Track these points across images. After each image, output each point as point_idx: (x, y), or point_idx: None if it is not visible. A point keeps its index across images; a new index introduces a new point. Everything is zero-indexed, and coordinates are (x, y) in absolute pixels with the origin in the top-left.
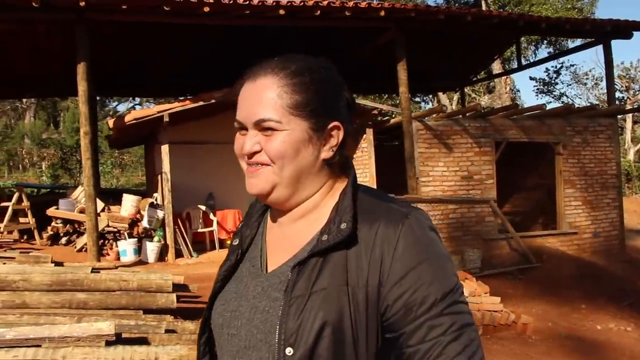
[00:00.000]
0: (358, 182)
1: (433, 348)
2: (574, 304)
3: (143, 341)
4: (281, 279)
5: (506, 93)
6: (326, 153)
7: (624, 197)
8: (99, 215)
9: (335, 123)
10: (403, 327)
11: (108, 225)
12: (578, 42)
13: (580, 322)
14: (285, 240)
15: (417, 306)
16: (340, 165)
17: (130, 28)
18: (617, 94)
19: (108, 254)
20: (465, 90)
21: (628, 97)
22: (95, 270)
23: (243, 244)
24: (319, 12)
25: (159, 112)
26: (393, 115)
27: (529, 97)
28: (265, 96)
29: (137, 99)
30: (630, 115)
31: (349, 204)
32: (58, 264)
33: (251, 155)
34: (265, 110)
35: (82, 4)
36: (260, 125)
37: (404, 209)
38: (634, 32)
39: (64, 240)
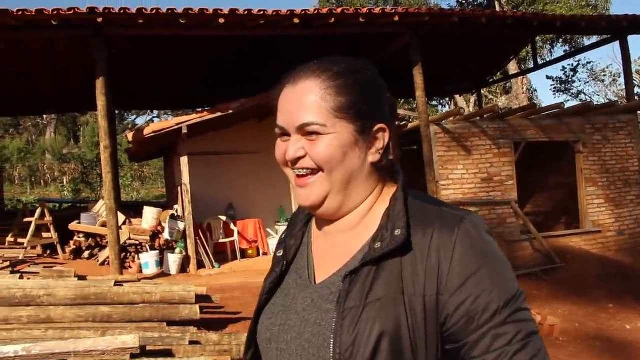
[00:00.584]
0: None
1: (499, 359)
2: (600, 303)
3: (167, 353)
4: (332, 290)
5: (523, 93)
6: (373, 156)
7: None
8: (121, 229)
9: (381, 125)
10: (465, 337)
11: (130, 238)
12: (594, 39)
13: (608, 322)
14: (334, 250)
15: (479, 314)
16: (387, 170)
17: (147, 42)
18: (636, 89)
19: (130, 267)
20: (482, 91)
21: None
22: (118, 283)
23: (288, 255)
24: (333, 19)
25: (177, 124)
26: (410, 120)
27: (546, 97)
28: (308, 99)
29: (156, 112)
30: None
31: (401, 209)
32: (81, 278)
33: (295, 161)
34: (309, 114)
35: (100, 20)
36: (304, 130)
37: (458, 212)
38: None
39: (86, 254)
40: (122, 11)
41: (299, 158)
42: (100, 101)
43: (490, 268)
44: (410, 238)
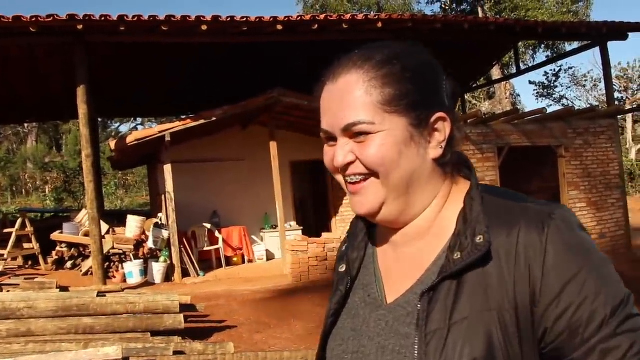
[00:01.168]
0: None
1: None
2: None
3: None
4: (408, 310)
5: (506, 98)
6: (435, 151)
7: (628, 197)
8: (104, 238)
9: (440, 114)
10: (569, 354)
11: (113, 248)
12: (575, 44)
13: None
14: (404, 262)
15: (583, 326)
16: (454, 165)
17: (129, 49)
18: (616, 94)
19: (114, 277)
20: (466, 97)
21: (627, 97)
22: (101, 294)
23: (351, 270)
24: (316, 26)
25: (160, 132)
26: None
27: (529, 101)
28: (351, 96)
29: (139, 119)
30: (630, 115)
31: (479, 210)
32: (63, 289)
33: (345, 167)
34: (354, 112)
35: (80, 27)
36: (351, 131)
37: (545, 207)
38: (630, 34)
39: (69, 264)
40: (102, 18)
41: (349, 163)
42: (82, 109)
43: (590, 269)
44: (493, 243)
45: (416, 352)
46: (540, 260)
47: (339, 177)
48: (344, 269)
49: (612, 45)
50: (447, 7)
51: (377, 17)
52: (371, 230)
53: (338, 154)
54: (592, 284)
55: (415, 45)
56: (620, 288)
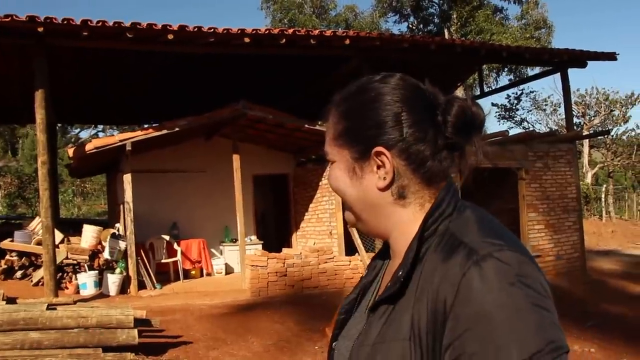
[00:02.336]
0: (460, 205)
1: None
2: None
3: None
4: (363, 322)
5: None
6: (380, 182)
7: (584, 219)
8: (58, 247)
9: (378, 148)
10: None
11: (67, 258)
12: (537, 69)
13: None
14: (387, 276)
15: None
16: (416, 194)
17: (92, 54)
18: (575, 120)
19: (67, 288)
20: None
21: (584, 123)
22: (51, 306)
23: (369, 275)
24: (284, 40)
25: (121, 141)
26: None
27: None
28: (326, 129)
29: (101, 126)
30: (587, 139)
31: (412, 247)
32: (11, 300)
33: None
34: (325, 143)
35: (41, 29)
36: (326, 159)
37: (484, 249)
38: (589, 61)
39: (19, 274)
40: (65, 21)
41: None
42: (39, 114)
43: (490, 327)
44: (413, 278)
45: (341, 357)
46: (451, 299)
47: None
48: (364, 276)
49: (571, 72)
50: (414, 27)
51: (345, 34)
52: None
53: (328, 176)
54: (484, 340)
55: (370, 83)
56: (518, 351)
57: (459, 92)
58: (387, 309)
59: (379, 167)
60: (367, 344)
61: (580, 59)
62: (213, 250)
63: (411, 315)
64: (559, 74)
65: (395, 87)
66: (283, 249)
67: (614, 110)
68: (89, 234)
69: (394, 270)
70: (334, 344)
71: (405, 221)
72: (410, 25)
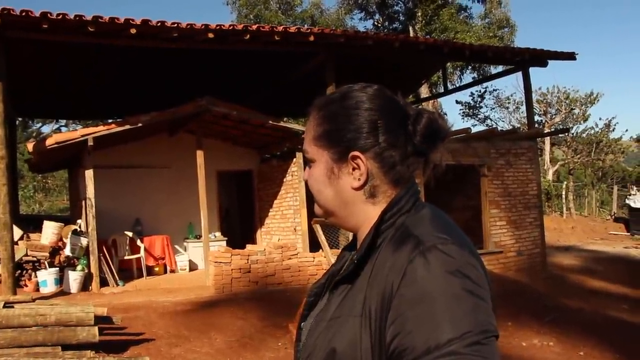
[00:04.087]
0: (418, 204)
1: None
2: (500, 321)
3: None
4: (325, 300)
5: None
6: (355, 182)
7: (545, 215)
8: (17, 244)
9: (355, 153)
10: None
11: (26, 255)
12: (500, 68)
13: (507, 340)
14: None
15: (408, 351)
16: (384, 193)
17: (53, 48)
18: (536, 118)
19: (26, 285)
20: None
21: (546, 121)
22: (8, 304)
23: (337, 264)
24: (248, 36)
25: (82, 136)
26: None
27: (456, 120)
28: (306, 129)
29: (63, 121)
30: (548, 137)
31: (369, 234)
32: None
33: (307, 183)
34: (305, 142)
35: None
36: (305, 156)
37: (430, 241)
38: (549, 61)
39: None
40: (23, 13)
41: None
42: None
43: (430, 305)
44: (368, 262)
45: (306, 332)
46: (397, 283)
47: None
48: (334, 263)
49: (533, 71)
50: (379, 25)
51: (309, 30)
52: None
53: (304, 172)
54: (420, 319)
55: (351, 91)
56: (444, 332)
57: (424, 89)
58: (345, 289)
59: (354, 169)
60: (325, 319)
61: (540, 58)
62: (177, 246)
63: (364, 296)
64: (520, 72)
65: (373, 96)
66: (247, 245)
67: (574, 109)
68: (50, 230)
69: (351, 257)
70: (302, 323)
71: (373, 217)
72: (376, 23)
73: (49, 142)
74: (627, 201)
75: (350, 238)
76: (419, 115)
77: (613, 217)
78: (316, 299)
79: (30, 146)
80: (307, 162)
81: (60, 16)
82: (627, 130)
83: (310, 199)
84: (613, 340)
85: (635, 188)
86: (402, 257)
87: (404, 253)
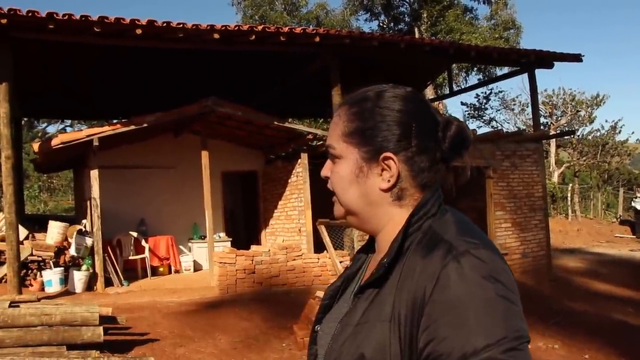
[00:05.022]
0: (444, 210)
1: None
2: None
3: None
4: (347, 307)
5: None
6: (383, 183)
7: (550, 218)
8: (22, 244)
9: (387, 154)
10: None
11: (32, 254)
12: (505, 69)
13: None
14: (373, 266)
15: (444, 356)
16: (411, 196)
17: (59, 48)
18: (542, 120)
19: (32, 285)
20: None
21: (551, 123)
22: (14, 304)
23: (353, 267)
24: (254, 37)
25: (88, 136)
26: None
27: None
28: (333, 124)
29: (68, 121)
30: (554, 139)
31: (399, 237)
32: None
33: (326, 180)
34: (331, 137)
35: (4, 21)
36: (329, 152)
37: (462, 246)
38: (555, 62)
39: None
40: (30, 14)
41: (328, 178)
42: (3, 108)
43: (465, 309)
44: (396, 266)
45: (330, 338)
46: (430, 289)
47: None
48: (348, 265)
49: (539, 73)
50: (384, 26)
51: (315, 31)
52: None
53: (324, 167)
54: (455, 325)
55: (391, 90)
56: (478, 340)
57: (429, 91)
58: (372, 293)
59: (383, 170)
60: (351, 324)
61: (546, 59)
62: (181, 247)
63: (393, 300)
64: (526, 74)
65: (409, 100)
66: (252, 246)
67: (580, 111)
68: (55, 230)
69: (380, 260)
70: (317, 327)
71: (398, 220)
72: (381, 24)
73: (54, 142)
74: (633, 204)
75: (355, 240)
76: (448, 122)
77: (619, 219)
78: (331, 302)
79: (35, 146)
80: (331, 158)
81: (66, 17)
82: (633, 133)
83: (316, 201)
84: (618, 343)
85: None
86: (434, 262)
87: (436, 258)
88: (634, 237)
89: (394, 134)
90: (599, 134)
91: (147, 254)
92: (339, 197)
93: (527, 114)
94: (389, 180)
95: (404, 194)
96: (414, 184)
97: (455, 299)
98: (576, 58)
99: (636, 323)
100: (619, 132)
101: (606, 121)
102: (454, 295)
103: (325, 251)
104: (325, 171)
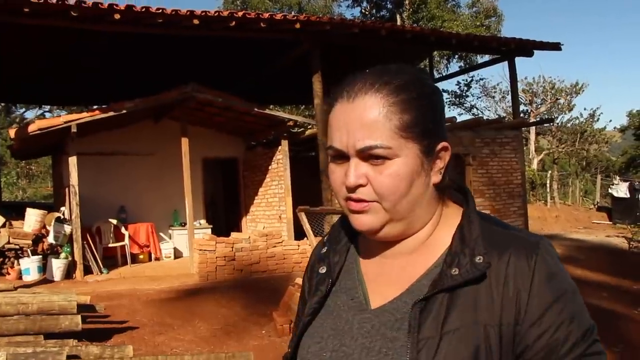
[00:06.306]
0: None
1: None
2: None
3: None
4: (396, 317)
5: None
6: (435, 177)
7: (529, 204)
8: None
9: (444, 143)
10: None
11: (9, 242)
12: (486, 57)
13: None
14: (391, 272)
15: (559, 346)
16: (448, 189)
17: (36, 32)
18: (522, 107)
19: (9, 274)
20: None
21: (531, 110)
22: None
23: (332, 273)
24: (234, 23)
25: (65, 122)
26: (309, 127)
27: None
28: (370, 118)
29: (47, 107)
30: (534, 127)
31: (478, 233)
32: None
33: (354, 189)
34: (373, 135)
35: None
36: (367, 153)
37: (532, 238)
38: (535, 51)
39: None
40: None
41: (360, 185)
42: None
43: (568, 298)
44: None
45: (408, 356)
46: (527, 286)
47: (340, 199)
48: (324, 271)
49: (519, 61)
50: (367, 12)
51: (295, 17)
52: (354, 238)
53: (351, 174)
54: (568, 310)
55: (424, 72)
56: (588, 316)
57: None
58: (444, 298)
59: (438, 162)
60: (430, 336)
61: (526, 48)
62: (162, 234)
63: (480, 300)
64: (507, 62)
65: (435, 85)
66: (232, 233)
67: (559, 99)
68: (33, 217)
69: (431, 261)
70: (315, 345)
71: (446, 215)
72: (363, 10)
73: (31, 128)
74: (610, 191)
75: (336, 228)
76: None
77: (596, 206)
78: (313, 318)
79: (12, 132)
80: (369, 159)
81: (43, 0)
82: (611, 121)
83: (296, 187)
84: None
85: (618, 178)
86: (519, 259)
87: (517, 255)
88: (611, 223)
89: (442, 122)
90: (577, 121)
91: (126, 241)
92: (395, 204)
93: (508, 101)
94: (440, 173)
95: (444, 186)
96: (447, 175)
97: (558, 290)
98: (555, 47)
99: (609, 307)
100: (597, 120)
101: (585, 109)
102: (556, 288)
103: (305, 238)
104: (359, 178)
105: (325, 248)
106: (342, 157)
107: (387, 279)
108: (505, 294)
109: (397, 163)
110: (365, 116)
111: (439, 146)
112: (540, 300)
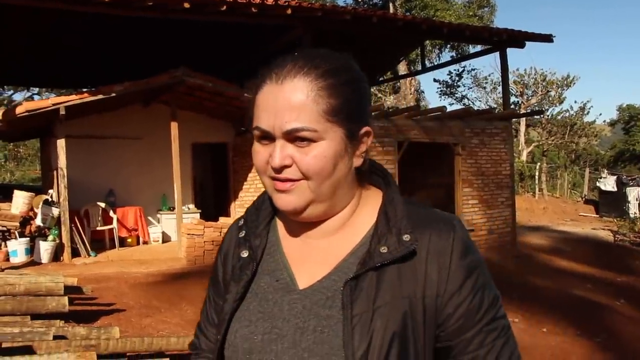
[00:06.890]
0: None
1: (491, 352)
2: None
3: (28, 350)
4: (327, 295)
5: (411, 94)
6: (357, 160)
7: (517, 195)
8: None
9: (367, 128)
10: (462, 334)
11: None
12: (478, 48)
13: None
14: (315, 253)
15: (474, 313)
16: (367, 172)
17: (21, 13)
18: (513, 99)
19: None
20: (372, 89)
21: (522, 102)
22: None
23: (255, 256)
24: (224, 7)
25: (54, 105)
26: None
27: (433, 99)
28: (297, 101)
29: (36, 89)
30: (524, 118)
31: (403, 213)
32: None
33: (280, 169)
34: (300, 118)
35: None
36: (293, 135)
37: (447, 216)
38: (527, 42)
39: None
40: None
41: (285, 166)
42: None
43: (481, 269)
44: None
45: (343, 332)
46: (447, 261)
47: (266, 178)
48: (246, 255)
49: (511, 52)
50: (360, 0)
51: (287, 3)
52: (272, 220)
53: (276, 155)
54: (481, 280)
55: (351, 60)
56: (494, 285)
57: (402, 67)
58: (374, 275)
59: (360, 146)
60: (364, 312)
61: (518, 39)
62: (150, 218)
63: (405, 275)
64: (498, 53)
65: (361, 71)
66: (220, 218)
67: (550, 91)
68: (20, 200)
69: (376, 240)
70: (243, 329)
71: (356, 198)
72: None
73: (19, 110)
74: (597, 184)
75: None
76: None
77: (584, 199)
78: (245, 291)
79: None
80: (295, 140)
81: None
82: (600, 114)
83: None
84: (575, 317)
85: (606, 171)
86: (439, 237)
87: (438, 233)
88: (598, 216)
89: (367, 107)
90: (568, 114)
91: (115, 224)
92: (320, 184)
93: (499, 92)
94: (362, 156)
95: (364, 169)
96: (367, 159)
97: (472, 263)
98: (547, 38)
99: (594, 298)
100: (587, 113)
101: (575, 102)
102: (471, 261)
103: None
104: (285, 159)
105: (244, 232)
106: (267, 137)
107: (312, 259)
108: (428, 269)
109: (322, 145)
110: (293, 99)
111: (362, 131)
112: (459, 274)
